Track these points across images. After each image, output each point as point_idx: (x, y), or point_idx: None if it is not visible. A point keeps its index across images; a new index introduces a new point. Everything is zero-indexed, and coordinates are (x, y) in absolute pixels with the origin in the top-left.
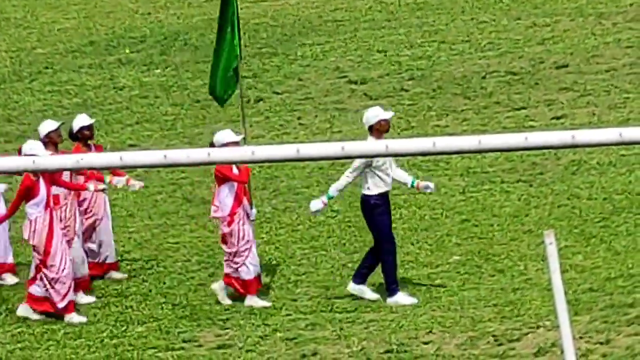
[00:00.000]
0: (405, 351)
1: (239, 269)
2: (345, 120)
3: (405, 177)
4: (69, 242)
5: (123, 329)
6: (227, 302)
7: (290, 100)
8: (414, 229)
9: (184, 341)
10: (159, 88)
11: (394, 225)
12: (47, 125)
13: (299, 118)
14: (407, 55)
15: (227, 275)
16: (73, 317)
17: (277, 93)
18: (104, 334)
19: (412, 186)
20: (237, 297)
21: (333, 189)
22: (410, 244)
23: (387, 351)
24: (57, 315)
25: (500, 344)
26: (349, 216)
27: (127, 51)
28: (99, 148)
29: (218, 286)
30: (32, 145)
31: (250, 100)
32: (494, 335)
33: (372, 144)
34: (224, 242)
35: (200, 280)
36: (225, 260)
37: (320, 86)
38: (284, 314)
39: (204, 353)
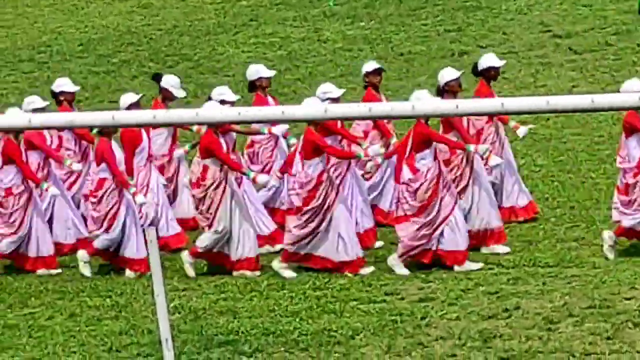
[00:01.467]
0: (608, 307)
1: None
2: (549, 75)
3: None
4: (460, 193)
5: (326, 280)
6: (611, 256)
7: (495, 54)
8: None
9: (385, 294)
10: (362, 41)
11: (597, 180)
12: (448, 74)
13: (503, 72)
14: (613, 10)
15: (622, 227)
16: (469, 265)
17: (481, 47)
18: (307, 286)
19: None
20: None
21: None
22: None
23: (590, 307)
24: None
25: None
26: (553, 171)
27: (331, 4)
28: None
29: (607, 235)
30: (420, 94)
31: (454, 54)
32: None
33: (576, 99)
34: (624, 192)
35: None
36: (620, 211)
37: (525, 40)
38: (486, 268)
39: (406, 306)
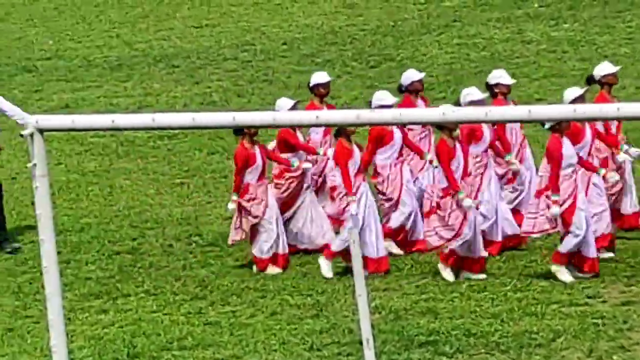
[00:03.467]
0: None
1: None
2: None
3: None
4: None
5: (527, 282)
6: None
7: None
8: None
9: (587, 297)
10: (566, 42)
11: None
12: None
13: None
14: None
15: None
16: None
17: None
18: (508, 288)
19: None
20: None
21: None
22: None
23: None
24: None
25: None
26: None
27: (536, 5)
28: None
29: None
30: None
31: None
32: None
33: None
34: None
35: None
36: None
37: None
38: None
39: (608, 309)
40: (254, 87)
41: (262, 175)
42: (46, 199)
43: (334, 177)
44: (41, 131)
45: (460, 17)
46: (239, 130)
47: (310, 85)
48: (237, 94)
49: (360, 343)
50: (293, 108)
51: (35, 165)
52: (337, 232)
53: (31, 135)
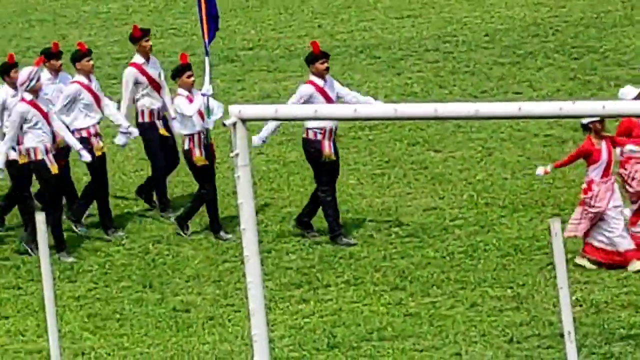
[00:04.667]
0: None
1: None
2: None
3: None
4: None
5: None
6: None
7: None
8: None
9: None
10: None
11: None
12: None
13: None
14: None
15: None
16: None
17: None
18: None
19: None
20: None
21: None
22: None
23: None
24: None
25: None
26: None
27: None
28: None
29: None
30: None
31: None
32: None
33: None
34: None
35: None
36: None
37: None
38: None
39: None
40: (455, 78)
41: (606, 172)
42: (248, 189)
43: None
44: (244, 121)
45: None
46: (586, 126)
47: None
48: (439, 85)
49: (561, 336)
50: (638, 97)
51: (237, 155)
52: None
53: (234, 124)
